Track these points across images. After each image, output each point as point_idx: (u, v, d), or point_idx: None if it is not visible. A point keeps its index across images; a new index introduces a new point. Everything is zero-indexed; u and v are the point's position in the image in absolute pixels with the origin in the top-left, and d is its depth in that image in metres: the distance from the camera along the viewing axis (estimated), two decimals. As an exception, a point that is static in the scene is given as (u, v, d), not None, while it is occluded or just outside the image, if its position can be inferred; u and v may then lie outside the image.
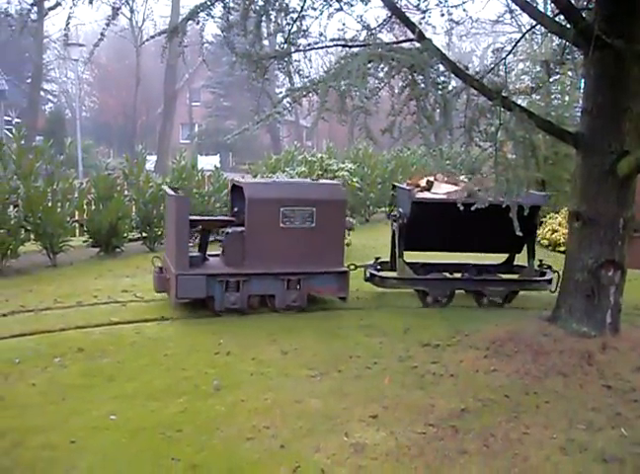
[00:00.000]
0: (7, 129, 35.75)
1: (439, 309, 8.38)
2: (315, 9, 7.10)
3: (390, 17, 7.26)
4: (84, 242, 11.59)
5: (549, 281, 8.78)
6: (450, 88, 6.63)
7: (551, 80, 11.40)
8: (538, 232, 13.52)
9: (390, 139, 6.93)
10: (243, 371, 5.98)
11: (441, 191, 8.66)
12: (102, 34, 6.66)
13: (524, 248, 9.12)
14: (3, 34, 41.01)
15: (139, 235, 12.46)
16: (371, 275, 8.83)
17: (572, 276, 7.05)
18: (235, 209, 8.63)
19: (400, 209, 8.82)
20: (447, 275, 9.14)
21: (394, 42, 6.92)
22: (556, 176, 14.46)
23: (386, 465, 4.33)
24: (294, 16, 7.05)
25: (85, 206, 11.64)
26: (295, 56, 7.24)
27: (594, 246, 6.85)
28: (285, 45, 6.89)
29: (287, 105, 6.46)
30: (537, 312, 7.93)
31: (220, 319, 7.72)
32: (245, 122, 7.73)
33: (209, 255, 8.41)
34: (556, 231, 13.37)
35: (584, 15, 6.73)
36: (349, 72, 5.53)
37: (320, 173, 12.03)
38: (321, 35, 7.17)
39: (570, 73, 11.42)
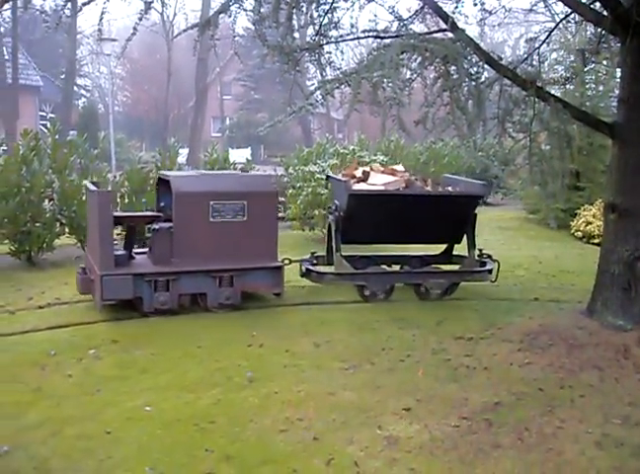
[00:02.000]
0: (42, 124, 36.23)
1: (472, 302, 8.28)
2: (347, 0, 7.07)
3: (422, 7, 7.21)
4: (117, 235, 11.69)
5: (490, 271, 8.59)
6: (483, 79, 6.58)
7: (586, 69, 11.25)
8: (572, 224, 13.39)
9: (423, 131, 6.89)
10: (276, 363, 6.01)
11: (379, 181, 8.35)
12: (134, 28, 6.71)
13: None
14: (38, 30, 41.63)
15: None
16: (307, 270, 8.44)
17: (607, 268, 6.95)
18: (162, 204, 8.21)
19: (336, 202, 8.47)
20: (386, 268, 8.91)
21: (427, 33, 6.86)
22: (590, 167, 14.26)
23: (420, 458, 4.31)
24: (326, 8, 7.02)
25: (119, 200, 11.72)
26: (327, 48, 7.22)
27: (629, 238, 6.75)
28: (317, 37, 6.86)
29: (320, 97, 6.43)
30: (572, 305, 7.85)
31: (253, 312, 7.76)
32: (276, 115, 7.71)
33: (136, 253, 8.05)
34: (590, 223, 13.18)
35: (621, 1, 6.59)
36: (382, 63, 5.49)
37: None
38: (352, 26, 7.13)
39: (605, 62, 11.23)
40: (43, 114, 41.42)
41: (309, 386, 5.45)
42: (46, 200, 10.33)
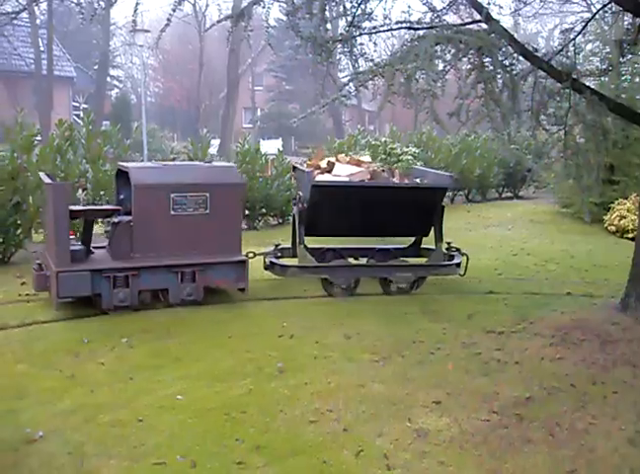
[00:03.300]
0: (75, 115, 36.62)
1: (504, 296, 8.22)
2: (380, -9, 7.02)
3: (457, -2, 7.14)
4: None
5: (458, 265, 8.45)
6: (517, 71, 6.50)
7: (622, 61, 11.06)
8: (605, 218, 13.21)
9: (456, 123, 6.84)
10: (306, 354, 6.03)
11: (343, 172, 8.21)
12: (168, 19, 6.74)
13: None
14: (72, 22, 42.07)
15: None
16: (271, 263, 8.23)
17: (642, 263, 6.86)
18: (121, 197, 7.92)
19: (300, 193, 8.27)
20: (352, 261, 8.76)
21: (461, 24, 6.80)
22: (625, 161, 14.03)
23: (449, 451, 4.31)
24: (359, -1, 6.99)
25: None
26: (360, 39, 7.18)
27: (665, 233, 6.64)
28: (350, 29, 6.83)
29: (353, 88, 6.42)
30: (605, 300, 7.77)
31: (284, 302, 7.80)
32: (307, 106, 7.71)
33: (95, 247, 7.77)
34: (624, 217, 12.99)
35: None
36: (416, 55, 5.46)
37: (384, 157, 11.93)
38: (386, 17, 7.08)
39: (643, 53, 11.03)
40: (77, 104, 41.88)
41: (339, 378, 5.47)
42: (80, 190, 10.45)
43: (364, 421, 4.72)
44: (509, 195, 19.31)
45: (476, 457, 4.25)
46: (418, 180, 8.58)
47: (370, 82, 6.46)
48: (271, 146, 19.06)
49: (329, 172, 8.31)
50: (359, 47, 7.01)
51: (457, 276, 8.49)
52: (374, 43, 7.30)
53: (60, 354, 5.96)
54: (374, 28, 7.07)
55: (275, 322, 6.96)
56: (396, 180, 8.43)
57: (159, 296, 7.42)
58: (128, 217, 7.27)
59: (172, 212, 7.29)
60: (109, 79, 44.65)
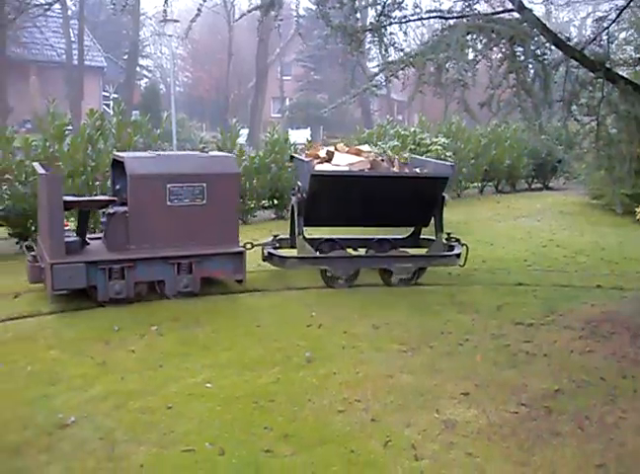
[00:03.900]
0: (105, 104, 36.93)
1: (533, 287, 8.15)
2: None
3: (488, -13, 7.06)
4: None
5: (458, 256, 8.36)
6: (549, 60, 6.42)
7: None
8: (637, 210, 13.02)
9: (487, 113, 6.78)
10: (335, 344, 6.05)
11: (343, 162, 8.08)
12: (199, 9, 6.77)
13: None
14: (103, 12, 42.37)
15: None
16: (269, 254, 8.13)
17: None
18: (117, 187, 7.78)
19: (299, 183, 8.14)
20: (352, 251, 8.67)
21: (492, 13, 6.73)
22: (659, 151, 13.83)
23: (477, 443, 4.30)
24: (390, -13, 6.94)
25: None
26: (390, 29, 7.14)
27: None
28: (380, 18, 6.79)
29: (383, 78, 6.38)
30: (636, 293, 7.69)
31: (312, 292, 7.82)
32: (336, 96, 7.68)
33: (90, 238, 7.69)
34: (657, 209, 12.80)
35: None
36: (447, 45, 5.42)
37: (413, 147, 11.91)
38: (416, 6, 7.02)
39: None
40: (107, 94, 42.21)
41: (367, 368, 5.48)
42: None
43: (392, 411, 4.73)
44: (538, 185, 19.13)
45: (504, 449, 4.23)
46: (418, 170, 8.50)
47: (401, 72, 6.42)
48: (299, 136, 19.10)
49: (328, 161, 8.21)
50: (389, 37, 6.96)
51: (457, 266, 8.44)
52: (404, 33, 7.24)
53: (91, 341, 6.04)
54: (405, 17, 7.01)
55: (303, 311, 6.98)
56: (396, 169, 8.35)
57: (155, 288, 7.34)
58: (124, 208, 7.19)
59: (168, 203, 7.21)
60: (138, 69, 44.92)
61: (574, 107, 6.76)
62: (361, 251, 8.83)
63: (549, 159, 18.08)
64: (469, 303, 7.43)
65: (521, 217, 13.74)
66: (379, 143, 12.43)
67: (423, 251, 8.60)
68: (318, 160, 8.22)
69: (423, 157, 9.31)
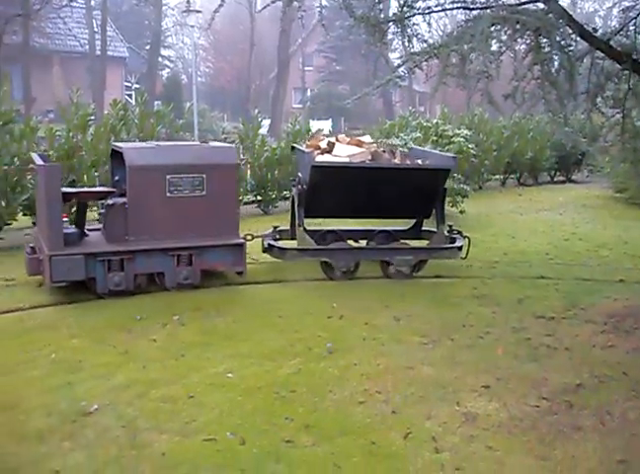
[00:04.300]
0: (127, 94, 37.09)
1: (555, 281, 8.10)
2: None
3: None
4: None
5: (460, 248, 8.26)
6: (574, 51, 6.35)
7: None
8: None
9: (511, 105, 6.73)
10: (355, 336, 6.05)
11: (343, 153, 8.00)
12: (222, 0, 6.77)
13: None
14: (126, 3, 42.51)
15: (254, 198, 12.69)
16: (269, 245, 8.07)
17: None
18: (116, 178, 7.72)
19: (299, 174, 8.10)
20: (352, 243, 8.59)
21: (517, 4, 6.66)
22: (685, 144, 13.67)
23: (498, 436, 4.29)
24: (414, -22, 6.89)
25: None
26: (414, 20, 7.10)
27: None
28: (404, 9, 6.75)
29: (407, 69, 6.35)
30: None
31: (333, 283, 7.82)
32: (357, 87, 7.65)
33: (89, 229, 7.62)
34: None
35: None
36: (472, 36, 5.37)
37: (435, 139, 11.85)
38: (440, -3, 6.98)
39: None
40: (129, 84, 42.38)
41: (388, 359, 5.48)
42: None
43: (413, 403, 4.73)
44: (561, 178, 18.98)
45: (525, 443, 4.22)
46: (419, 161, 8.43)
47: (424, 63, 6.38)
48: (321, 127, 19.07)
49: (329, 152, 8.15)
50: (412, 28, 6.93)
51: (459, 259, 8.39)
52: (428, 24, 7.20)
53: (113, 329, 6.09)
54: (428, 8, 6.97)
55: (324, 303, 6.99)
56: (397, 161, 8.29)
57: (155, 280, 7.28)
58: (123, 199, 7.12)
59: (168, 194, 7.14)
60: (160, 59, 45.07)
61: (599, 99, 6.70)
62: (362, 243, 8.78)
63: (573, 152, 17.93)
64: (490, 296, 7.39)
65: (544, 210, 13.65)
66: (401, 135, 12.38)
67: (424, 243, 8.56)
68: (319, 151, 8.18)
69: (426, 148, 9.24)
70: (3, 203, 9.12)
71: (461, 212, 11.89)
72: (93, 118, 10.19)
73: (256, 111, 12.86)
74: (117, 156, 7.53)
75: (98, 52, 36.43)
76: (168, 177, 7.10)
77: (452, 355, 5.63)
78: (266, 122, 30.80)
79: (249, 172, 12.43)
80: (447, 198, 11.72)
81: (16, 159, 9.33)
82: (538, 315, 6.74)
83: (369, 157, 8.05)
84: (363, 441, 4.19)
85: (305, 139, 12.43)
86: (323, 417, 4.51)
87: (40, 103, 30.36)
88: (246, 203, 12.58)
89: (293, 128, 12.85)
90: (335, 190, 7.80)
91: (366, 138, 8.89)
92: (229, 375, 5.13)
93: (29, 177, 9.48)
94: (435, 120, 13.23)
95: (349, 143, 8.39)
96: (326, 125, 24.91)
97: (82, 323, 6.26)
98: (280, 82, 37.23)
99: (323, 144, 8.32)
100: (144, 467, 3.86)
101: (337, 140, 8.46)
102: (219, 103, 49.18)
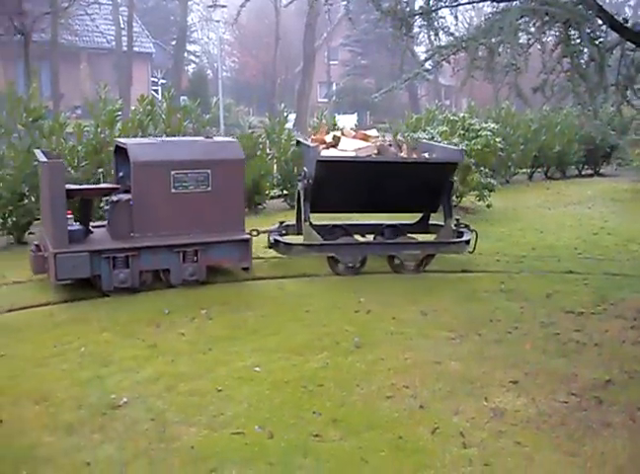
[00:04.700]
0: (153, 90, 37.32)
1: (583, 276, 8.02)
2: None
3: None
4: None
5: (467, 242, 8.16)
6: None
7: None
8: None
9: (539, 98, 6.66)
10: (383, 330, 6.05)
11: (350, 147, 7.90)
12: (249, -6, 6.78)
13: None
14: (152, -2, 42.73)
15: (280, 193, 12.71)
16: (275, 241, 8.01)
17: None
18: (120, 174, 7.66)
19: (305, 169, 8.00)
20: (359, 238, 8.51)
21: (546, -4, 6.59)
22: None
23: (526, 432, 4.27)
24: (441, -29, 6.84)
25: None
26: (440, 13, 7.05)
27: None
28: (431, 2, 6.71)
29: (434, 63, 6.31)
30: (692, 282, 7.51)
31: (359, 277, 7.81)
32: (383, 81, 7.59)
33: (94, 226, 7.55)
34: None
35: None
36: (500, 28, 5.32)
37: (462, 133, 11.77)
38: (468, -11, 6.94)
39: None
40: (155, 79, 42.61)
41: (415, 354, 5.47)
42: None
43: (441, 398, 4.72)
44: (589, 172, 18.76)
45: (553, 439, 4.20)
46: (426, 154, 8.36)
47: (451, 56, 6.34)
48: (346, 121, 19.02)
49: (334, 147, 8.08)
50: (439, 21, 6.88)
51: (467, 253, 8.32)
52: (455, 17, 7.16)
53: (142, 323, 6.15)
54: (456, 0, 6.92)
55: (351, 297, 6.99)
56: (404, 155, 8.21)
57: (161, 277, 7.25)
58: (128, 196, 7.08)
59: (173, 190, 7.09)
60: (186, 54, 45.25)
61: (629, 91, 6.61)
62: (369, 237, 8.73)
63: (601, 145, 17.71)
64: (518, 291, 7.35)
65: (572, 204, 13.51)
66: (428, 128, 12.33)
67: (431, 237, 8.46)
68: (324, 145, 8.12)
69: (432, 142, 9.15)
70: (33, 199, 9.22)
71: (488, 206, 11.81)
72: (120, 113, 10.26)
73: (282, 105, 12.83)
74: (121, 152, 7.48)
75: (124, 48, 36.65)
76: (173, 173, 7.07)
77: (480, 349, 5.61)
78: (291, 117, 30.86)
79: (275, 166, 12.46)
80: (474, 192, 11.76)
81: (45, 155, 9.41)
82: (567, 310, 6.68)
83: (376, 151, 7.98)
84: (391, 436, 4.19)
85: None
86: (350, 411, 4.51)
87: (68, 99, 30.64)
88: (272, 198, 12.62)
89: (320, 123, 12.83)
90: (341, 184, 7.76)
91: (372, 132, 8.81)
92: (257, 369, 5.15)
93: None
94: (461, 114, 13.15)
95: (354, 137, 8.33)
96: (352, 119, 24.80)
97: (112, 317, 6.33)
98: (306, 76, 37.16)
99: (328, 138, 8.26)
100: (173, 460, 3.90)
101: (342, 134, 8.41)
102: (245, 97, 49.29)
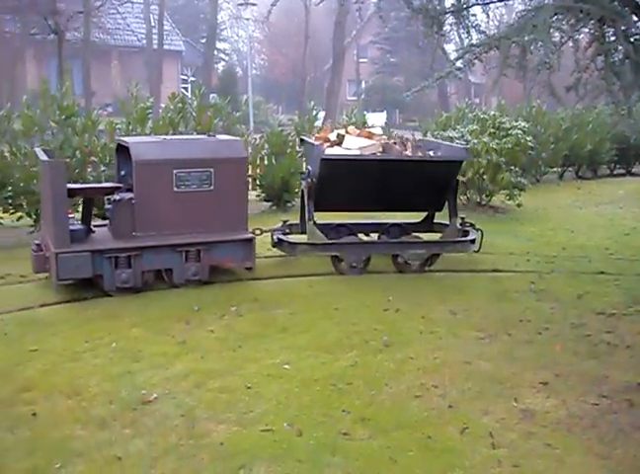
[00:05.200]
0: (183, 88, 37.56)
1: (615, 276, 7.92)
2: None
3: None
4: (257, 196, 12.00)
5: (473, 241, 8.02)
6: None
7: None
8: None
9: (569, 97, 6.59)
10: (412, 329, 6.03)
11: (354, 145, 7.78)
12: (280, -7, 6.79)
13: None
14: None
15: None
16: (279, 240, 7.92)
17: None
18: (122, 173, 7.56)
19: (308, 167, 7.95)
20: (364, 237, 8.41)
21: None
22: None
23: (556, 434, 4.23)
24: (474, -32, 6.80)
25: (258, 162, 12.00)
26: (472, 10, 7.00)
27: None
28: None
29: (466, 61, 6.27)
30: None
31: (388, 276, 7.80)
32: (412, 79, 7.55)
33: (96, 226, 7.48)
34: None
35: None
36: (534, 26, 5.27)
37: (492, 131, 11.69)
38: (500, -13, 6.88)
39: None
40: (184, 77, 42.90)
41: (445, 354, 5.45)
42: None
43: (470, 398, 4.69)
44: (621, 171, 18.54)
45: (584, 441, 4.15)
46: (431, 153, 8.28)
47: (483, 55, 6.29)
48: (375, 119, 19.00)
49: (339, 145, 7.98)
50: (471, 19, 6.83)
51: (472, 252, 8.22)
52: (487, 15, 7.11)
53: (172, 320, 6.19)
54: (488, -2, 6.88)
55: (380, 296, 6.97)
56: (409, 153, 8.11)
57: (163, 277, 7.18)
58: (130, 195, 7.00)
59: (175, 189, 7.03)
60: (215, 52, 45.46)
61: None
62: (373, 236, 8.67)
63: (634, 144, 17.48)
64: (549, 291, 7.28)
65: (603, 204, 13.36)
66: (458, 127, 12.26)
67: (436, 236, 8.39)
68: (328, 144, 8.04)
69: (436, 140, 9.06)
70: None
71: (518, 206, 11.73)
72: (151, 111, 10.34)
73: (311, 103, 12.83)
74: (123, 151, 7.41)
75: (155, 46, 36.96)
76: (175, 171, 7.01)
77: (510, 350, 5.57)
78: (320, 115, 30.86)
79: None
80: (504, 192, 11.68)
81: (78, 152, 9.53)
82: (598, 311, 6.60)
83: (380, 149, 7.91)
84: (420, 435, 4.18)
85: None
86: (379, 410, 4.51)
87: (99, 96, 31.01)
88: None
89: (350, 121, 12.83)
90: (345, 183, 7.67)
91: (377, 130, 8.74)
92: (286, 367, 5.17)
93: (89, 169, 9.68)
94: (492, 112, 13.05)
95: (359, 135, 8.25)
96: (381, 118, 24.78)
97: (142, 313, 6.38)
98: (335, 74, 37.13)
99: (332, 136, 8.18)
100: (203, 456, 3.92)
101: (347, 132, 8.32)
102: (274, 95, 49.44)
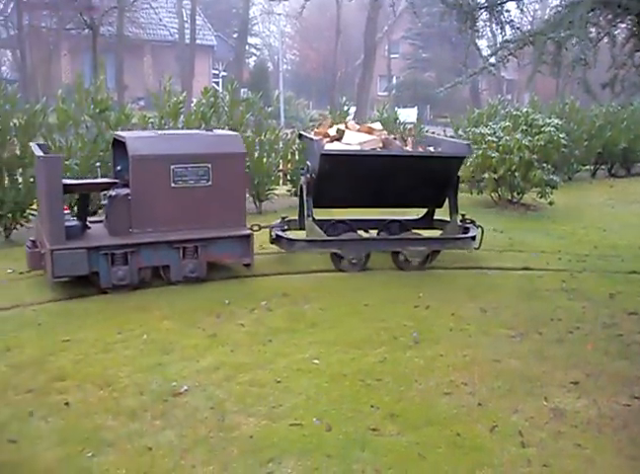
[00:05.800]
0: (214, 82, 37.73)
1: (648, 276, 7.82)
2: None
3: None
4: (287, 191, 12.02)
5: (473, 238, 7.91)
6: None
7: None
8: None
9: (604, 94, 6.51)
10: (442, 326, 6.03)
11: (354, 141, 7.69)
12: (313, -12, 6.77)
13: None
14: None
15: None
16: (277, 236, 7.84)
17: None
18: (118, 168, 7.45)
19: (308, 163, 7.83)
20: (363, 233, 8.28)
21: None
22: None
23: (587, 434, 4.20)
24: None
25: (290, 157, 12.01)
26: (506, 6, 6.94)
27: None
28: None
29: (500, 57, 6.21)
30: None
31: (419, 273, 7.77)
32: (444, 75, 7.49)
33: (92, 222, 7.39)
34: None
35: None
36: (570, 22, 5.21)
37: (524, 128, 11.58)
38: (535, -18, 6.81)
39: None
40: (216, 72, 43.06)
41: (475, 351, 5.43)
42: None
43: (500, 396, 4.67)
44: (656, 169, 18.26)
45: (615, 442, 4.12)
46: (432, 148, 8.19)
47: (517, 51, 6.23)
48: (407, 115, 18.90)
49: (338, 140, 7.90)
50: (505, 15, 6.77)
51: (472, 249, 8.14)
52: (521, 10, 7.04)
53: (203, 313, 6.24)
54: (523, -6, 6.82)
55: (410, 292, 6.97)
56: (409, 148, 8.04)
57: (160, 273, 7.12)
58: (126, 190, 6.92)
59: (172, 185, 6.94)
60: (247, 47, 45.58)
61: None
62: (373, 233, 8.60)
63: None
64: (580, 290, 7.21)
65: (636, 203, 13.17)
66: (490, 123, 12.17)
67: (436, 233, 8.33)
68: (328, 139, 7.97)
69: (438, 135, 8.94)
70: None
71: (550, 204, 11.61)
72: (183, 105, 10.40)
73: (342, 98, 12.81)
74: (119, 146, 7.32)
75: (187, 41, 37.13)
76: (172, 167, 6.93)
77: (541, 349, 5.53)
78: (352, 110, 30.80)
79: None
80: (536, 189, 11.57)
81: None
82: (630, 311, 6.53)
83: (380, 145, 7.84)
84: (449, 433, 4.18)
85: (395, 127, 12.37)
86: (408, 406, 4.51)
87: (131, 90, 31.26)
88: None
89: (381, 116, 12.79)
90: (345, 178, 7.61)
91: (377, 125, 8.65)
92: (315, 362, 5.19)
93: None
94: (524, 109, 12.92)
95: (359, 131, 8.18)
96: (412, 113, 24.66)
97: (173, 306, 6.44)
98: (366, 69, 36.95)
99: (332, 132, 8.11)
100: (232, 448, 3.96)
101: (347, 127, 8.26)
102: (305, 90, 49.43)
